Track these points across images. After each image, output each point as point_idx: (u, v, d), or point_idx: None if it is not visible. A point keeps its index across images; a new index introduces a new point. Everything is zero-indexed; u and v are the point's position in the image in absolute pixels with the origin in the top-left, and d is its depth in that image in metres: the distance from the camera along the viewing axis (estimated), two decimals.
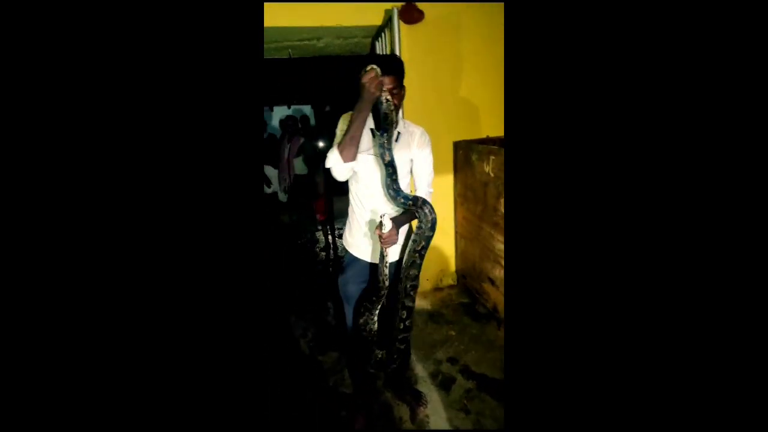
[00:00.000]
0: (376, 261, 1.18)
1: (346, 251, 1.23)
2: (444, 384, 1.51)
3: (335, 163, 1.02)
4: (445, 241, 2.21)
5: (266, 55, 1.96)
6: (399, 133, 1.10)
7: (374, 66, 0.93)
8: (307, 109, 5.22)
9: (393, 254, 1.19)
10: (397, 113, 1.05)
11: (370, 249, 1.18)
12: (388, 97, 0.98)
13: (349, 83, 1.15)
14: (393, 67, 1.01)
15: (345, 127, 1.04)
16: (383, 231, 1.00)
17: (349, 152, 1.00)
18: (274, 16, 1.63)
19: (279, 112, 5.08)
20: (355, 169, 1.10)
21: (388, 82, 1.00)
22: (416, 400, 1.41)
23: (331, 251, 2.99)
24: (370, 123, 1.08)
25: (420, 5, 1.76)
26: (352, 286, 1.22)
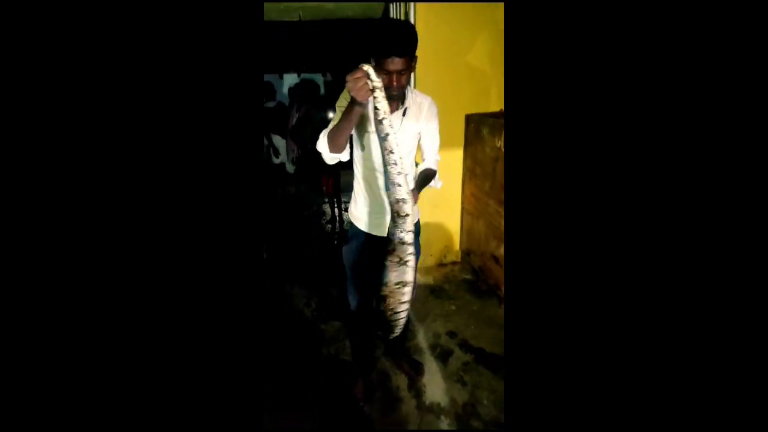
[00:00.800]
0: (380, 233, 1.17)
1: (351, 224, 1.23)
2: (442, 356, 1.54)
3: (323, 150, 0.99)
4: (450, 217, 2.19)
5: (275, 17, 1.88)
6: (406, 108, 1.05)
7: (365, 66, 0.76)
8: (317, 78, 5.09)
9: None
10: (404, 90, 1.00)
11: (371, 223, 1.17)
12: (378, 105, 0.78)
13: (359, 50, 1.07)
14: (406, 47, 0.90)
15: (344, 105, 1.00)
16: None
17: (337, 145, 0.95)
18: None
19: (288, 80, 4.97)
20: (364, 147, 1.08)
21: (399, 64, 0.90)
22: (414, 369, 1.44)
23: (337, 224, 3.00)
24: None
25: None
26: (354, 257, 1.23)
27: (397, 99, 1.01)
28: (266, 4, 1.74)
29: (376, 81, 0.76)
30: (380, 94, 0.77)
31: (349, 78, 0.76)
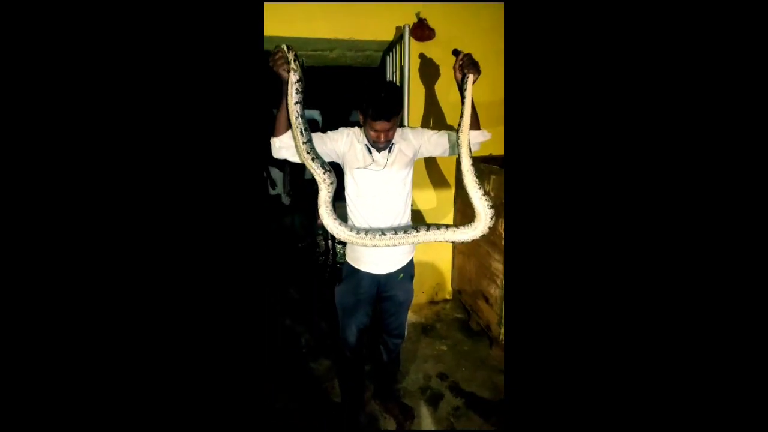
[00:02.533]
0: (375, 272, 1.20)
1: (345, 261, 1.25)
2: (432, 400, 1.51)
3: (272, 142, 1.08)
4: (442, 255, 2.22)
5: None
6: (392, 144, 1.14)
7: (284, 46, 0.93)
8: (316, 114, 5.28)
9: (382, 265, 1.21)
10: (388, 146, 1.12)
11: (368, 260, 1.20)
12: (295, 85, 0.95)
13: (357, 94, 1.17)
14: (392, 111, 1.03)
15: (338, 137, 1.12)
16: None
17: (276, 127, 1.05)
18: (289, 27, 1.67)
19: None
20: (358, 183, 1.13)
21: (386, 125, 1.03)
22: (403, 414, 1.41)
23: (330, 256, 3.00)
24: (365, 140, 1.12)
25: (430, 22, 1.80)
26: (348, 297, 1.23)
27: (385, 148, 1.12)
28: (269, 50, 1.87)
29: (293, 64, 0.94)
30: (294, 76, 0.94)
31: (270, 59, 0.92)
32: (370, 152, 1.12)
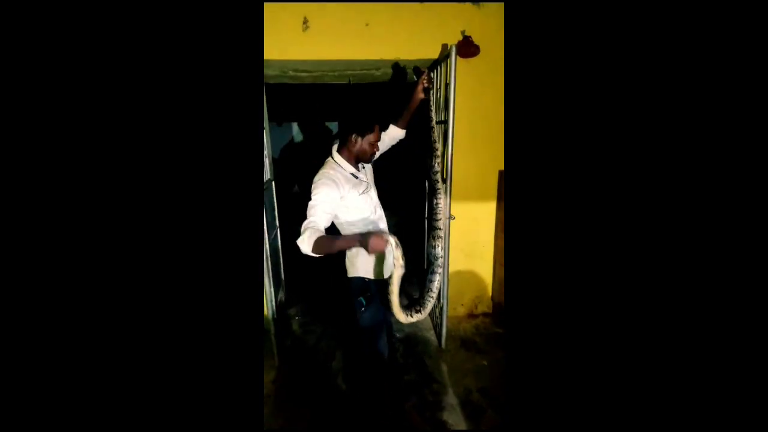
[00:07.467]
0: (386, 275, 1.24)
1: (360, 288, 1.27)
2: (473, 415, 1.49)
3: (304, 250, 1.01)
4: (482, 267, 2.20)
5: (328, 81, 2.13)
6: (363, 166, 1.26)
7: (389, 239, 0.95)
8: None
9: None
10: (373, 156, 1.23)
11: (384, 268, 1.26)
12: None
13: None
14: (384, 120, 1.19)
15: (335, 187, 1.10)
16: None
17: (319, 254, 1.00)
18: (336, 50, 1.78)
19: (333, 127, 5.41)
20: (360, 207, 1.19)
21: (380, 137, 1.18)
22: (438, 427, 1.41)
23: None
24: (347, 169, 1.18)
25: (475, 39, 1.84)
26: (379, 314, 1.28)
27: (371, 161, 1.23)
28: (321, 71, 2.00)
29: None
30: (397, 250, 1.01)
31: (374, 241, 0.93)
32: (356, 177, 1.18)
